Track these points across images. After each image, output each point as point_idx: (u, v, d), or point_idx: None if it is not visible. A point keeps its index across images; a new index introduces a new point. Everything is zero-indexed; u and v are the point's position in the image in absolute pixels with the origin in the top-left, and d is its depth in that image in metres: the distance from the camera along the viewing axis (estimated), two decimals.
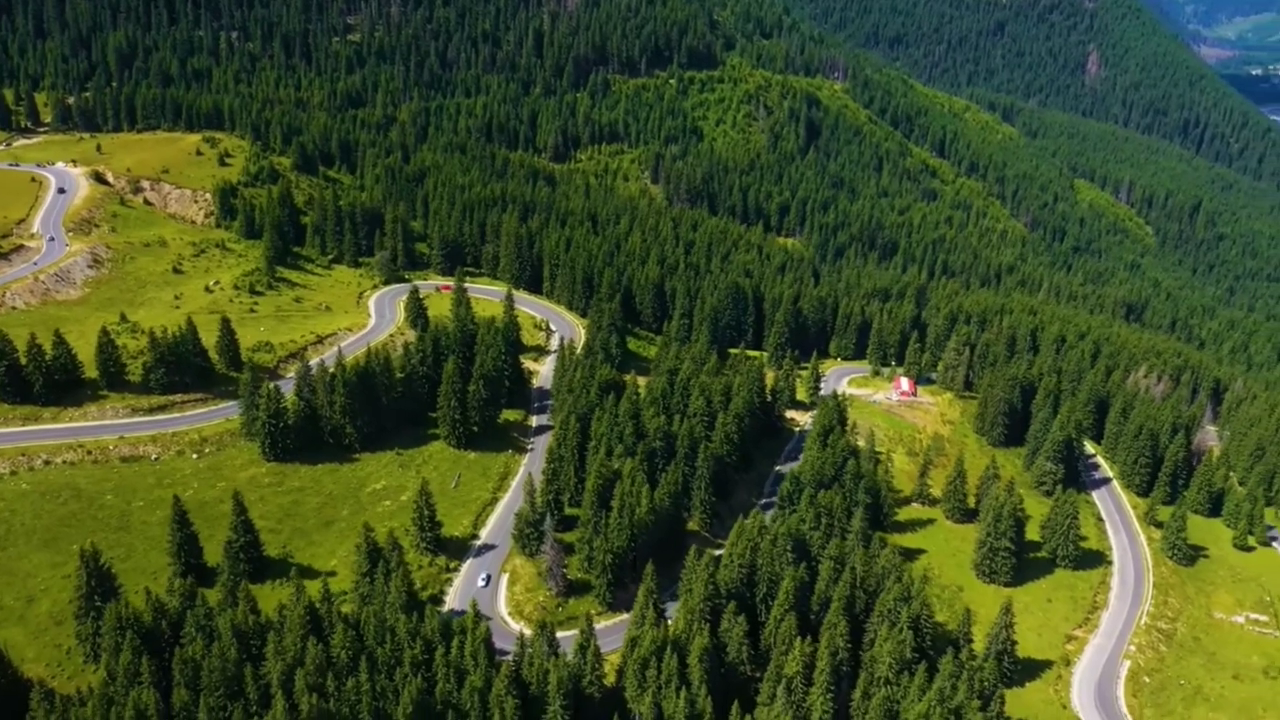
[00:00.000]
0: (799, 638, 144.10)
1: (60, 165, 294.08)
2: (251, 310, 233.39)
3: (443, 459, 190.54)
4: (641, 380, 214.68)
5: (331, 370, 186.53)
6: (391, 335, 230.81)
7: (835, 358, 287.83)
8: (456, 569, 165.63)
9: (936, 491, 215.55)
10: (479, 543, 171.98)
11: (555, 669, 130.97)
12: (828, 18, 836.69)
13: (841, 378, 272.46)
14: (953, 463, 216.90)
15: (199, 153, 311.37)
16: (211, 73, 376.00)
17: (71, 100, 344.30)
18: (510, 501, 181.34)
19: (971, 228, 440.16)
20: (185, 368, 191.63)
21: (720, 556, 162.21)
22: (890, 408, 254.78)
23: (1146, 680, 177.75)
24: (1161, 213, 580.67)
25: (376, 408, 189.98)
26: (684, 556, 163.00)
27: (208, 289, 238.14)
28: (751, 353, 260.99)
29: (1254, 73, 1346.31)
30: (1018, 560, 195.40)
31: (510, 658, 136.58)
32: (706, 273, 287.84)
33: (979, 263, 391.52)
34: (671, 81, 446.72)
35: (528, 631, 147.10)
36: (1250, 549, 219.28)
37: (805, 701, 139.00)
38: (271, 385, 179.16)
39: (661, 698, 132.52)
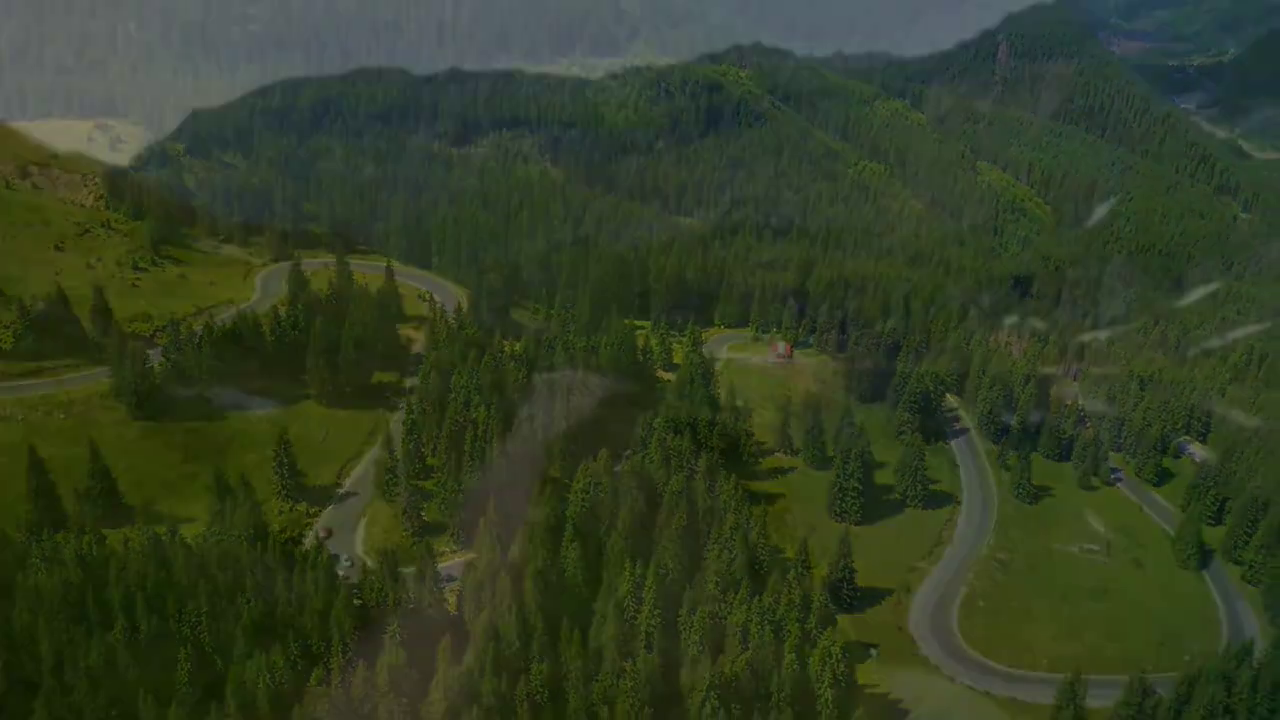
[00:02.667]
0: (632, 562, 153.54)
1: None
2: (134, 285, 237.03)
3: (312, 416, 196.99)
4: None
5: (200, 332, 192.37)
6: (274, 306, 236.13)
7: (719, 325, 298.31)
8: (318, 514, 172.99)
9: (799, 442, 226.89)
10: (342, 491, 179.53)
11: (393, 591, 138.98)
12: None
13: (723, 343, 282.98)
14: (817, 416, 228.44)
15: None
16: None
17: None
18: (377, 454, 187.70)
19: (869, 206, 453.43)
20: (56, 335, 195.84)
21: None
22: (766, 369, 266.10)
23: (981, 604, 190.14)
24: (1059, 192, 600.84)
25: (246, 369, 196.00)
26: None
27: (89, 265, 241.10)
28: (636, 322, 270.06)
29: (1171, 64, 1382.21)
30: (869, 500, 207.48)
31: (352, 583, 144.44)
32: (594, 247, 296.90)
33: (871, 238, 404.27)
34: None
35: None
36: (1094, 489, 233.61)
37: (636, 619, 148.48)
38: (138, 346, 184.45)
39: (496, 616, 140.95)
